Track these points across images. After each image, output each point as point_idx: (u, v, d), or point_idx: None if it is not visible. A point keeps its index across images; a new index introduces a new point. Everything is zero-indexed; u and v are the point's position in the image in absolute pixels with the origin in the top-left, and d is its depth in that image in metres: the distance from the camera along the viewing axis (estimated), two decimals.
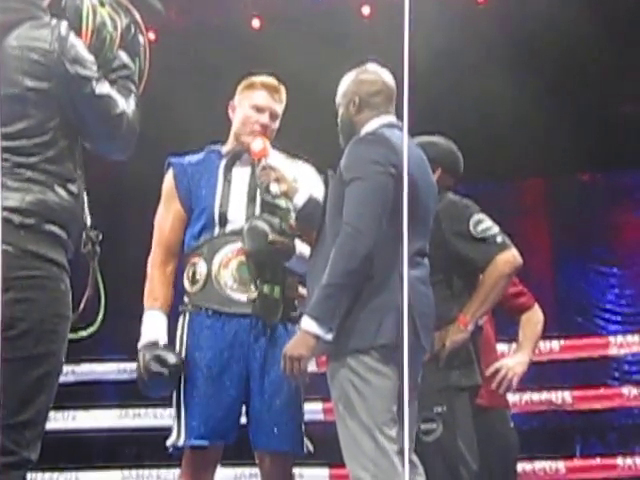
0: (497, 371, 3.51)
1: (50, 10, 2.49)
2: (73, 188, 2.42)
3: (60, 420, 6.99)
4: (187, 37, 8.41)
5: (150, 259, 3.30)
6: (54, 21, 2.45)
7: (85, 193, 2.51)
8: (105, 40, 2.53)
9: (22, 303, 2.30)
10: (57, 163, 2.39)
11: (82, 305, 2.55)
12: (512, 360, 3.62)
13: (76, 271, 2.51)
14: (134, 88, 2.57)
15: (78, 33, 2.47)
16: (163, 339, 3.17)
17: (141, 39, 2.66)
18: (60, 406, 6.92)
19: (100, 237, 2.56)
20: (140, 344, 3.17)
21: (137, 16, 2.65)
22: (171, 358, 3.11)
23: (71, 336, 2.49)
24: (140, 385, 3.17)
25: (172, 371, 3.10)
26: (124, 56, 2.58)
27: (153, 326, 3.19)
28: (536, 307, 3.81)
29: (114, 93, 2.47)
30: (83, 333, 2.59)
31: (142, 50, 2.66)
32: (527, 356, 3.64)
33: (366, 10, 8.26)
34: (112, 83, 2.50)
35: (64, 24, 2.44)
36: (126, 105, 2.49)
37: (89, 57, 2.44)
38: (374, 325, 2.80)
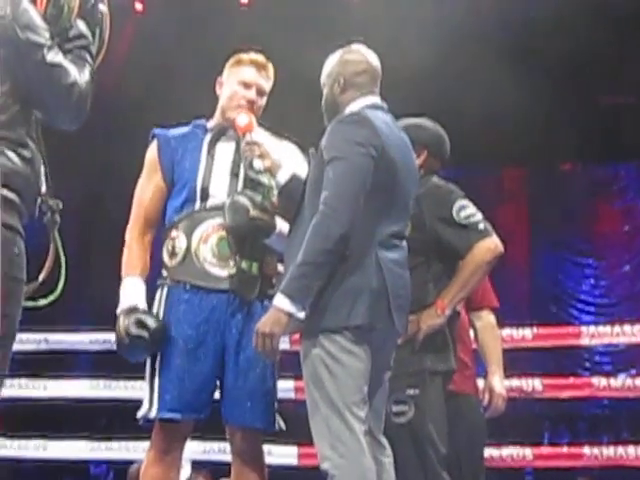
0: (490, 396, 3.79)
1: None
2: (26, 153, 2.40)
3: (31, 388, 6.97)
4: (175, 9, 8.37)
5: (128, 229, 3.30)
6: None
7: (42, 159, 2.48)
8: (62, 8, 2.49)
9: None
10: (8, 128, 2.36)
11: (43, 274, 2.54)
12: (498, 384, 3.83)
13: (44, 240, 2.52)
14: (90, 59, 2.53)
15: (34, 0, 2.45)
16: (142, 304, 3.17)
17: (102, 9, 2.62)
18: (31, 374, 6.91)
19: (60, 206, 2.55)
20: (119, 309, 3.17)
21: None
22: (151, 322, 3.11)
23: (31, 304, 2.48)
24: (120, 349, 3.15)
25: (153, 334, 3.09)
26: (82, 26, 2.54)
27: (132, 292, 3.19)
28: (488, 310, 3.94)
29: (67, 63, 2.43)
30: (43, 301, 2.58)
31: (103, 20, 2.62)
32: (501, 371, 3.88)
33: None
34: (67, 52, 2.46)
35: None
36: (79, 76, 2.45)
37: (42, 24, 2.41)
38: (347, 305, 2.81)
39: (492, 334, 3.96)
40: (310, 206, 2.88)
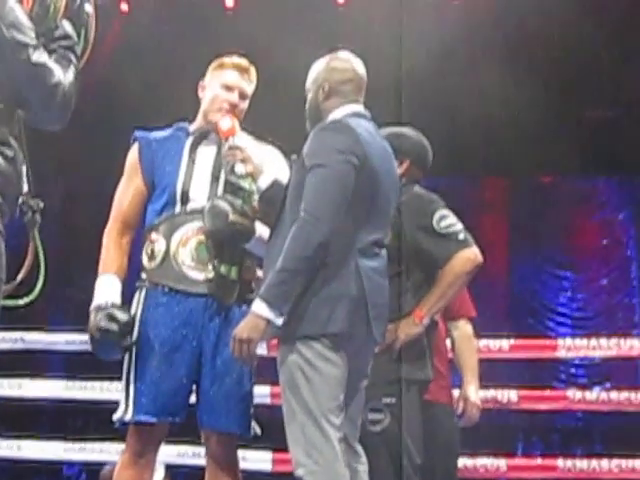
0: (464, 405, 3.79)
1: None
2: (8, 152, 2.39)
3: (6, 387, 6.93)
4: (160, 10, 8.35)
5: (106, 230, 3.30)
6: None
7: (24, 159, 2.47)
8: (48, 8, 2.50)
9: None
10: None
11: (22, 273, 2.53)
12: (473, 394, 3.84)
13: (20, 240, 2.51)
14: (74, 59, 2.53)
15: (20, 0, 2.44)
16: (116, 300, 3.17)
17: (88, 9, 2.62)
18: (6, 373, 6.86)
19: (41, 205, 2.54)
20: (92, 306, 3.16)
21: None
22: (121, 315, 3.11)
23: (10, 303, 2.48)
24: (92, 345, 3.15)
25: (122, 327, 3.09)
26: (68, 26, 2.54)
27: (106, 289, 3.19)
28: (465, 320, 3.95)
29: (51, 63, 2.43)
30: (21, 301, 2.57)
31: (88, 21, 2.62)
32: (477, 381, 3.89)
33: None
34: (52, 52, 2.47)
35: None
36: (63, 76, 2.45)
37: (28, 23, 2.41)
38: (326, 313, 2.81)
39: (469, 344, 3.97)
40: (291, 212, 2.88)
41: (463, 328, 3.96)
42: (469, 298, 4.00)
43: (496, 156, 9.30)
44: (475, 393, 3.84)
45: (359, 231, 2.87)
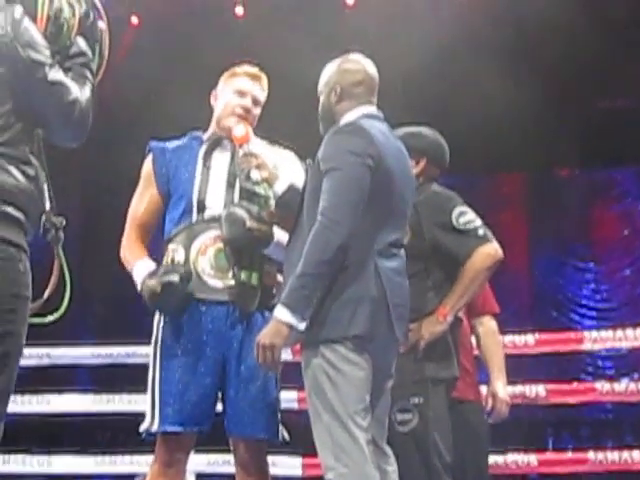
0: (493, 401, 3.78)
1: None
2: (30, 171, 2.40)
3: (34, 404, 6.96)
4: (171, 22, 8.40)
5: (124, 238, 3.32)
6: (8, 5, 2.42)
7: (45, 177, 2.49)
8: (62, 27, 2.50)
9: None
10: (12, 146, 2.37)
11: (48, 291, 2.54)
12: (501, 390, 3.82)
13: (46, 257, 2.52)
14: (90, 76, 2.54)
15: (34, 19, 2.45)
16: None
17: (101, 25, 2.63)
18: (34, 390, 6.90)
19: (64, 223, 2.55)
20: (140, 279, 3.16)
21: (97, 2, 2.63)
22: (177, 267, 3.13)
23: (37, 321, 2.49)
24: (153, 302, 3.13)
25: (183, 277, 3.10)
26: (82, 43, 2.55)
27: (146, 266, 3.20)
28: (489, 316, 3.95)
29: (68, 80, 2.44)
30: (49, 318, 2.58)
31: (102, 37, 2.63)
32: (504, 376, 3.88)
33: (350, 0, 8.28)
34: (68, 70, 2.47)
35: (18, 8, 2.41)
36: (80, 93, 2.46)
37: (43, 42, 2.41)
38: (347, 315, 2.81)
39: (494, 340, 3.97)
40: (308, 217, 2.88)
41: (487, 324, 3.95)
42: (492, 294, 3.99)
43: (513, 151, 9.29)
44: (503, 389, 3.83)
45: (377, 232, 2.87)
